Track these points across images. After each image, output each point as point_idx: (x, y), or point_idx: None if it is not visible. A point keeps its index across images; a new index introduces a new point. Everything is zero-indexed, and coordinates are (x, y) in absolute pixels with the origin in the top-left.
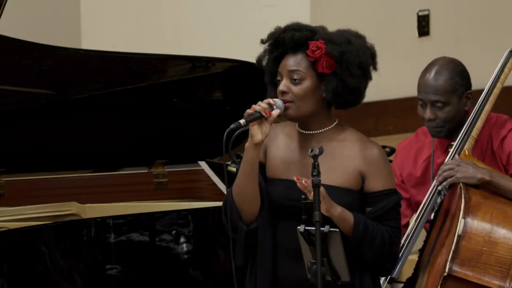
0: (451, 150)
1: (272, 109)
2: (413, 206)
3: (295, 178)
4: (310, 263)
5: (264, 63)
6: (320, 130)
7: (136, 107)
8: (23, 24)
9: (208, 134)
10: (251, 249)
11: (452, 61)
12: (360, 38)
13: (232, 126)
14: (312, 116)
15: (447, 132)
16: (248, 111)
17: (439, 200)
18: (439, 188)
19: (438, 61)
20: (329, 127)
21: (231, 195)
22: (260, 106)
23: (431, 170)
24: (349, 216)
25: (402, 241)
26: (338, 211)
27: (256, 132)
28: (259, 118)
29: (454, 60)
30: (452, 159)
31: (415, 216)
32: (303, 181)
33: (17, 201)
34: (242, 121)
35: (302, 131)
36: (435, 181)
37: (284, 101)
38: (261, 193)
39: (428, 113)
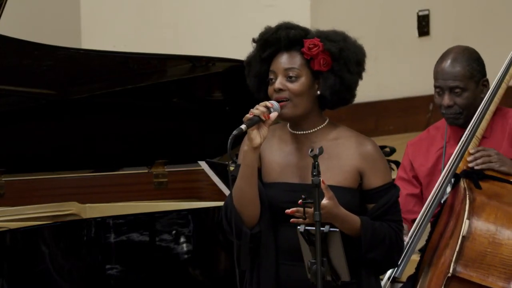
0: (455, 150)
1: (270, 112)
2: (424, 201)
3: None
4: (310, 263)
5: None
6: (313, 130)
7: (136, 107)
8: (23, 24)
9: (208, 134)
10: (254, 252)
11: (467, 48)
12: (350, 37)
13: (235, 132)
14: (306, 115)
15: (465, 119)
16: (247, 115)
17: (448, 190)
18: (473, 165)
19: (453, 49)
20: (321, 126)
21: (231, 200)
22: (259, 109)
23: (443, 160)
24: (355, 220)
25: (407, 238)
26: (342, 211)
27: (255, 136)
28: (259, 122)
29: (469, 48)
30: (459, 155)
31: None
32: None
33: (17, 201)
34: (243, 126)
35: (294, 131)
36: (447, 166)
37: (280, 99)
38: (260, 196)
39: (446, 100)
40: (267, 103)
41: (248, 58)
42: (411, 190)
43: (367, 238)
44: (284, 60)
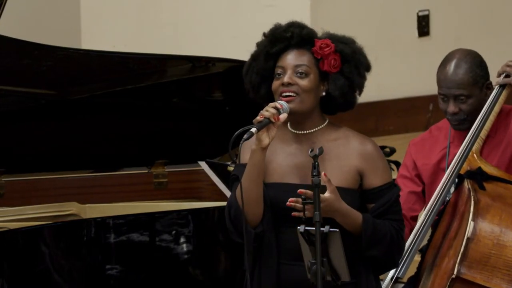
0: (459, 150)
1: (280, 113)
2: (426, 199)
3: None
4: (310, 263)
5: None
6: (313, 130)
7: (136, 107)
8: (23, 24)
9: (208, 134)
10: (256, 252)
11: (469, 53)
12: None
13: (245, 136)
14: (308, 114)
15: (469, 123)
16: (257, 118)
17: (452, 189)
18: (497, 82)
19: (455, 54)
20: (322, 126)
21: (235, 200)
22: (269, 112)
23: (447, 160)
24: (357, 216)
25: (411, 238)
26: (344, 206)
27: (264, 137)
28: (269, 123)
29: (472, 52)
30: (463, 155)
31: (422, 212)
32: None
33: (17, 201)
34: (253, 130)
35: (295, 131)
36: (451, 166)
37: (287, 93)
38: (263, 196)
39: (451, 107)
40: (277, 104)
41: (255, 53)
42: (413, 188)
43: (368, 235)
44: (294, 57)
